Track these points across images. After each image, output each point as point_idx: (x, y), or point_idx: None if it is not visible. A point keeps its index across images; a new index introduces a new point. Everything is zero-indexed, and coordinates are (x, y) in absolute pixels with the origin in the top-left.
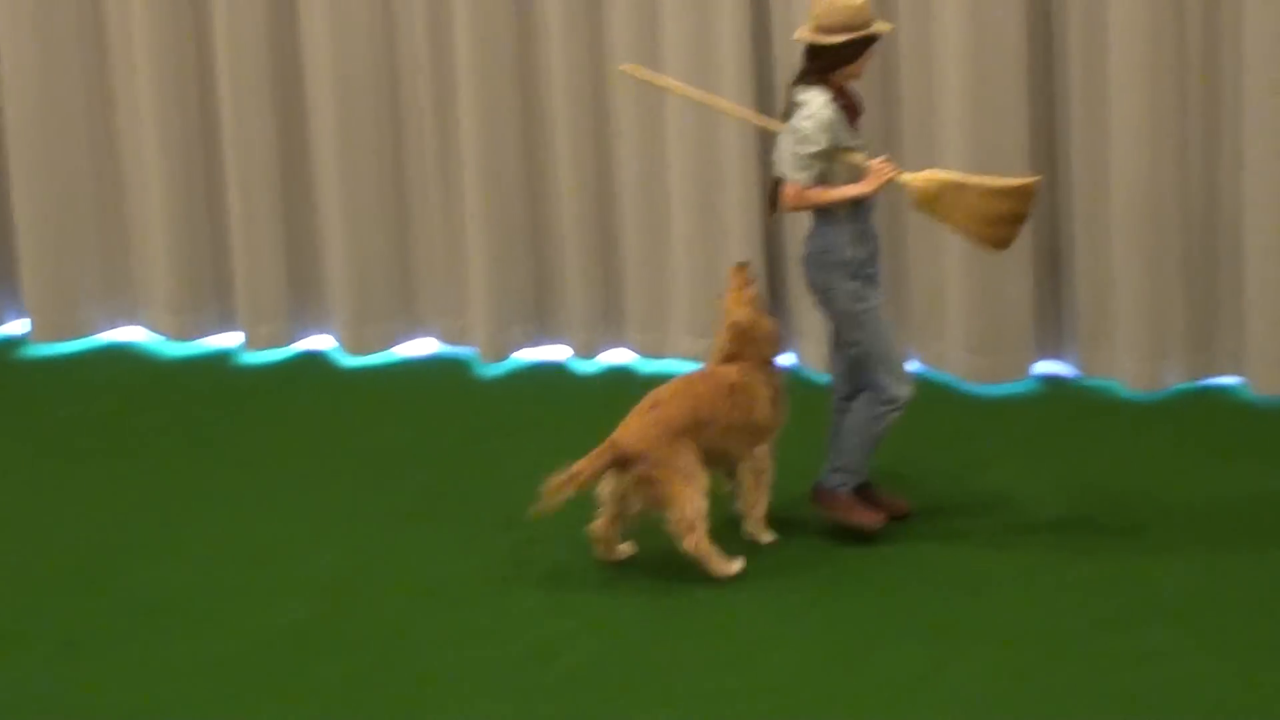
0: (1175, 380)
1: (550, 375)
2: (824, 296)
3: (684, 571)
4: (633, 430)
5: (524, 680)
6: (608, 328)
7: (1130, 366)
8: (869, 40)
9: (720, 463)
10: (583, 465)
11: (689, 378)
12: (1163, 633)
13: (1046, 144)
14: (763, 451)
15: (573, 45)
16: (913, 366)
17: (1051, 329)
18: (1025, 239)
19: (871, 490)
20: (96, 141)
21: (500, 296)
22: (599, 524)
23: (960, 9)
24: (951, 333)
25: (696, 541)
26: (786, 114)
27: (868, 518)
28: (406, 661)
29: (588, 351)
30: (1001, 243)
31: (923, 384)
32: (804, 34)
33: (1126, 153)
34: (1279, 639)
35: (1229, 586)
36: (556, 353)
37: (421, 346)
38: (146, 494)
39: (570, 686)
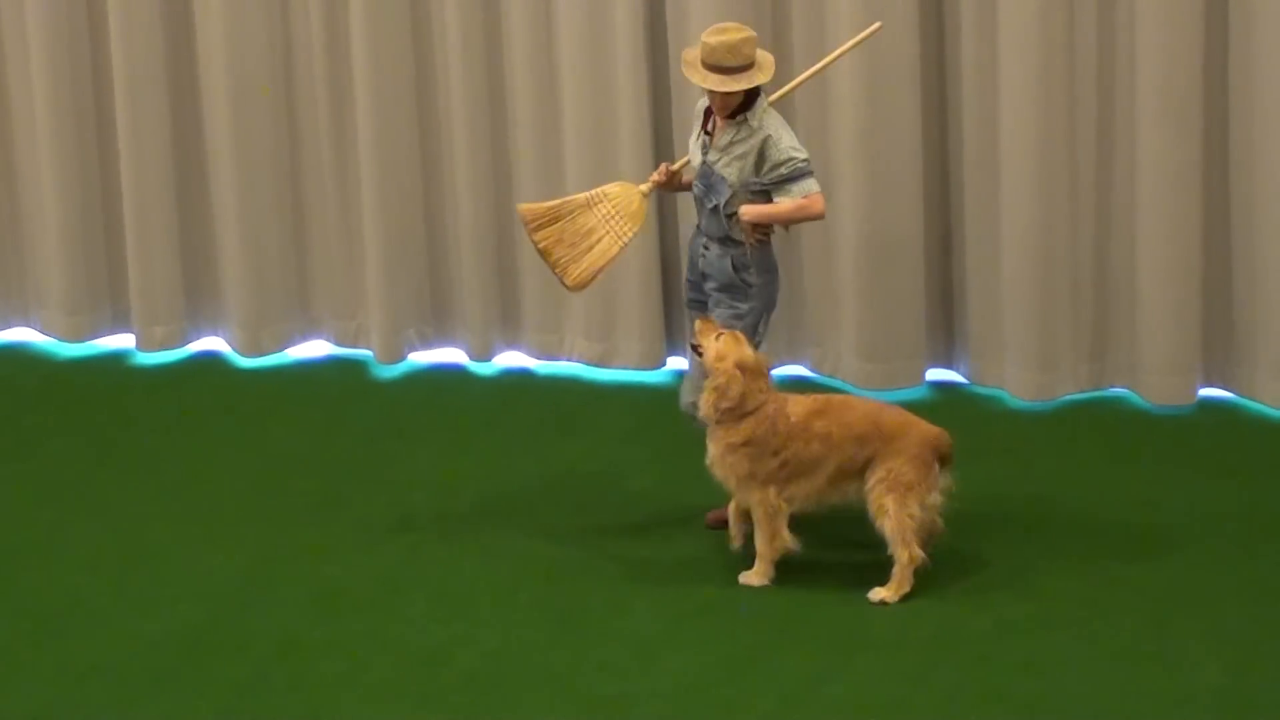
0: (1066, 391)
1: (446, 377)
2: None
3: (580, 575)
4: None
5: (418, 684)
6: (504, 330)
7: (1019, 376)
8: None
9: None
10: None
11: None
12: (1057, 640)
13: (936, 147)
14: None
15: (469, 46)
16: (808, 372)
17: (944, 337)
18: (919, 244)
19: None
20: None
21: (395, 298)
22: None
23: (854, 4)
24: (846, 339)
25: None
26: (705, 144)
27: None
28: (300, 666)
29: (484, 354)
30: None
31: (815, 390)
32: (757, 78)
33: (1018, 164)
34: (1168, 644)
35: (1119, 592)
36: (453, 355)
37: (317, 348)
38: (39, 496)
39: (464, 690)
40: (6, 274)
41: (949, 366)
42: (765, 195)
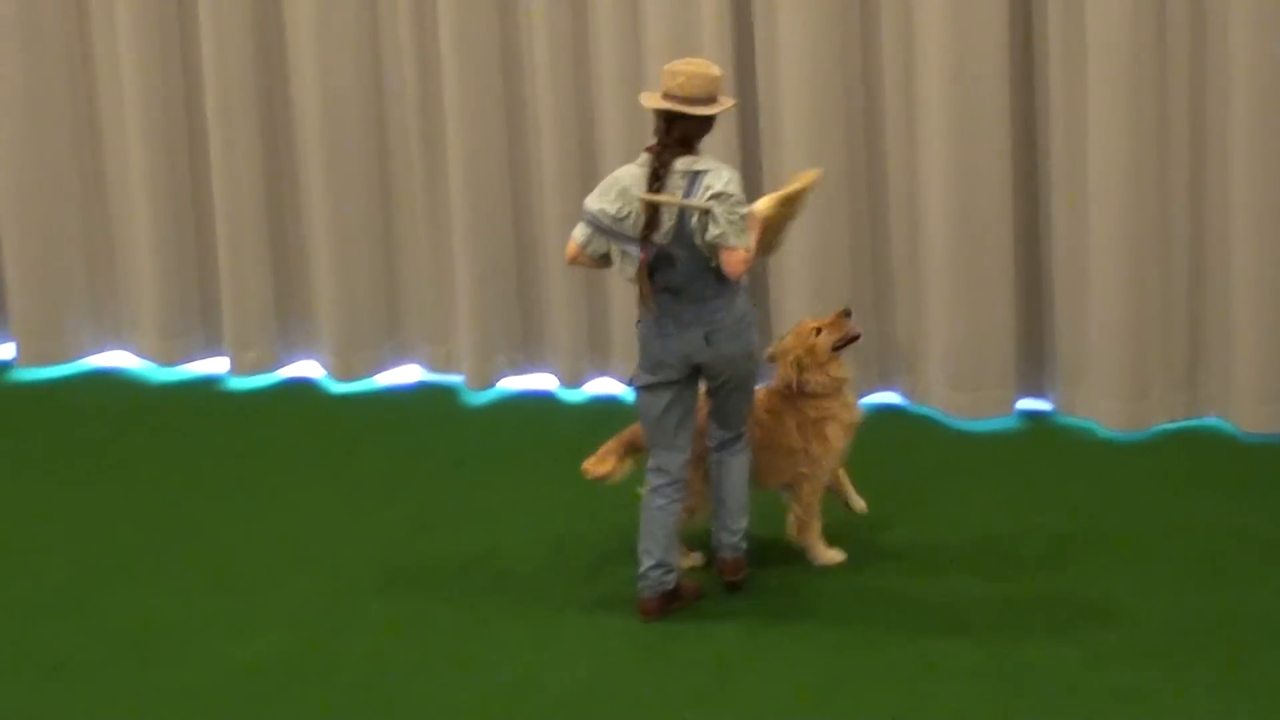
0: (1158, 420)
1: (536, 404)
2: (746, 362)
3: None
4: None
5: (506, 711)
6: (593, 357)
7: (1109, 405)
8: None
9: (764, 482)
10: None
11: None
12: (1146, 670)
13: (1027, 180)
14: (810, 480)
15: (560, 74)
16: (895, 400)
17: (1034, 367)
18: (1008, 275)
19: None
20: (84, 166)
21: (486, 324)
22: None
23: (943, 44)
24: (935, 368)
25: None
26: (659, 188)
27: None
28: (388, 692)
29: (573, 380)
30: (769, 249)
31: (905, 418)
32: (660, 101)
33: (1108, 190)
34: (1259, 676)
35: (1206, 622)
36: (542, 381)
37: (408, 374)
38: (130, 520)
39: (552, 717)
40: (100, 298)
41: (1039, 396)
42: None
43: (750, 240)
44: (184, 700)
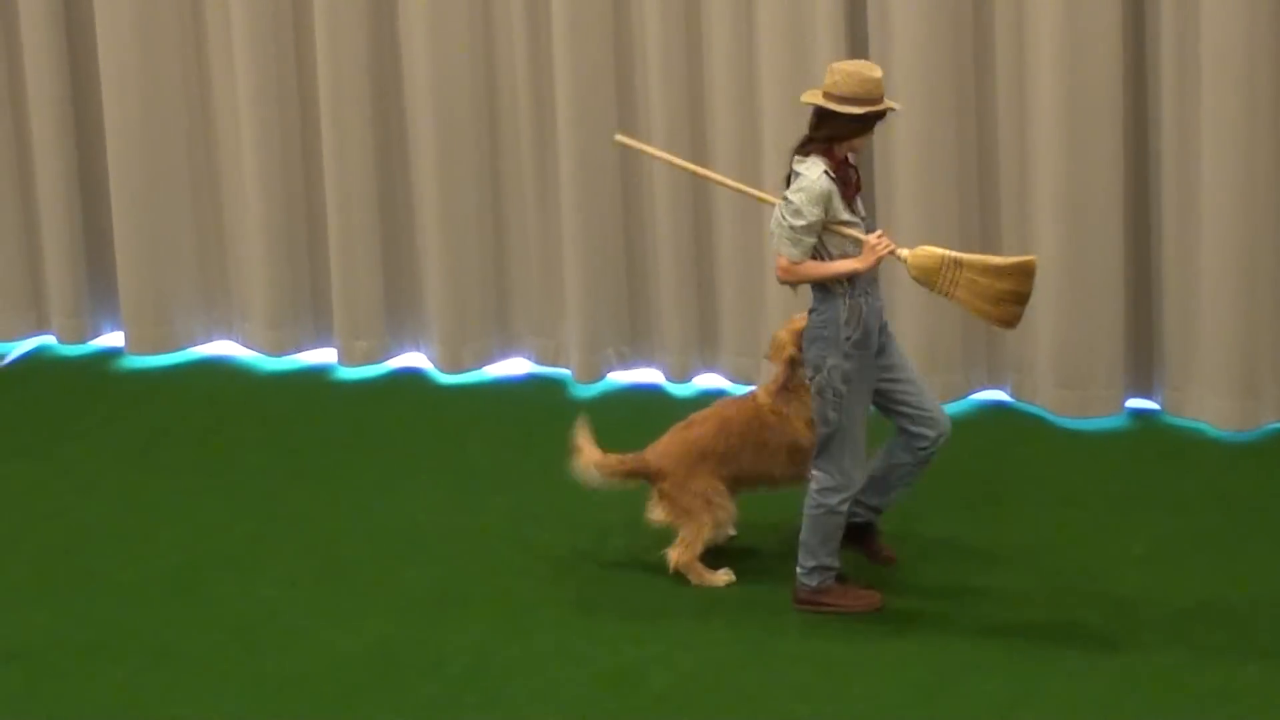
0: (1268, 419)
1: (644, 398)
2: (815, 372)
3: (769, 599)
4: (660, 449)
5: (610, 704)
6: (702, 352)
7: (1218, 405)
8: (880, 114)
9: (768, 482)
10: (613, 458)
11: (723, 402)
12: (1253, 670)
13: (1138, 177)
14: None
15: (671, 69)
16: (1004, 398)
17: (1144, 365)
18: (1118, 273)
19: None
20: (195, 156)
21: (595, 318)
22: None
23: (1056, 46)
24: (1043, 366)
25: (682, 559)
26: (788, 181)
27: (864, 601)
28: (492, 683)
29: (681, 375)
30: (1007, 321)
31: (1014, 416)
32: (815, 98)
33: (1220, 188)
34: None
35: None
36: (651, 376)
37: (516, 366)
38: (237, 509)
39: (656, 711)
40: (211, 287)
41: (1148, 395)
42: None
43: (794, 252)
44: (289, 689)
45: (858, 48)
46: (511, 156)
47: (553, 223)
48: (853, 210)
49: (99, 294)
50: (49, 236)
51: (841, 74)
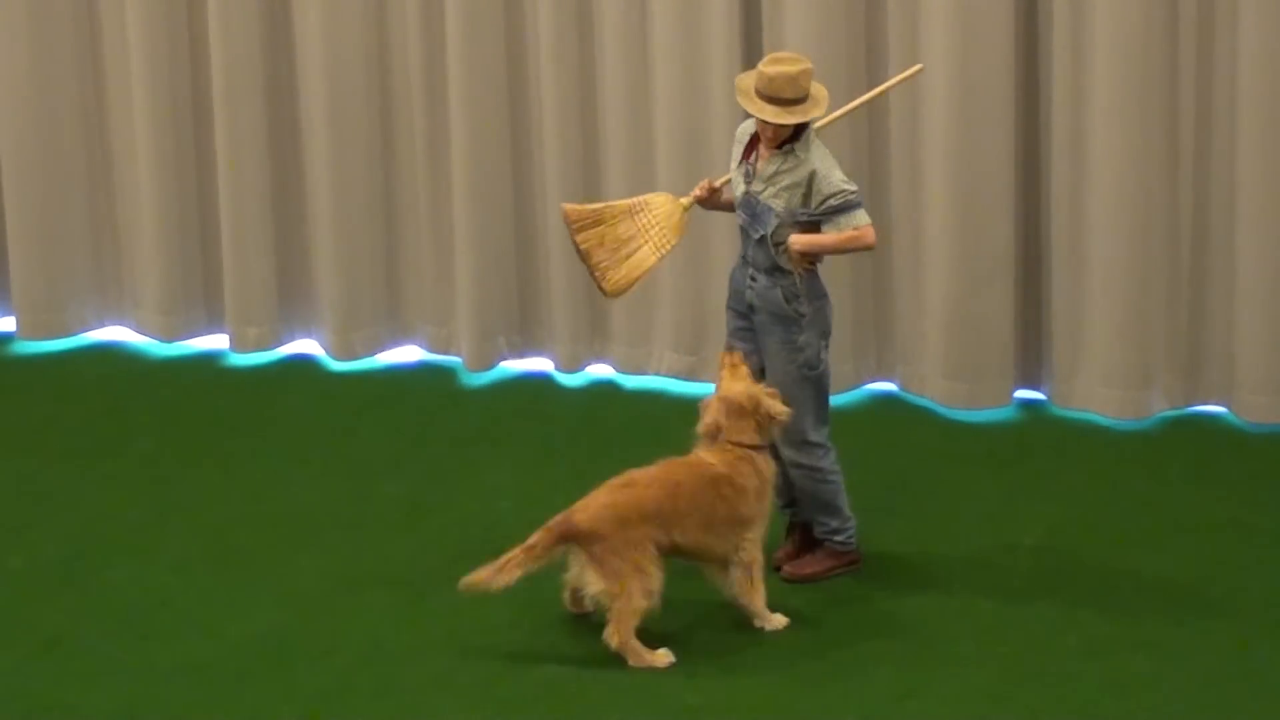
0: (1159, 408)
1: (534, 387)
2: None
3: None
4: (593, 509)
5: (500, 690)
6: (593, 342)
7: (1108, 394)
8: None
9: (703, 556)
10: (534, 540)
11: (671, 464)
12: (1141, 660)
13: (1026, 167)
14: (751, 543)
15: (563, 56)
16: (893, 390)
17: (1032, 357)
18: (1007, 264)
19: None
20: (89, 141)
21: (486, 307)
22: (566, 600)
23: (947, 34)
24: (932, 358)
25: (620, 639)
26: (745, 163)
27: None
28: (383, 670)
29: (572, 365)
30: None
31: (903, 408)
32: (812, 111)
33: (1108, 176)
34: (1254, 666)
35: (1205, 613)
36: (541, 365)
37: (408, 354)
38: (130, 494)
39: (546, 699)
40: (103, 272)
41: (1036, 387)
42: (814, 225)
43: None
44: (180, 675)
45: (751, 40)
46: (404, 145)
47: (444, 212)
48: None
49: None
50: None
51: (784, 80)
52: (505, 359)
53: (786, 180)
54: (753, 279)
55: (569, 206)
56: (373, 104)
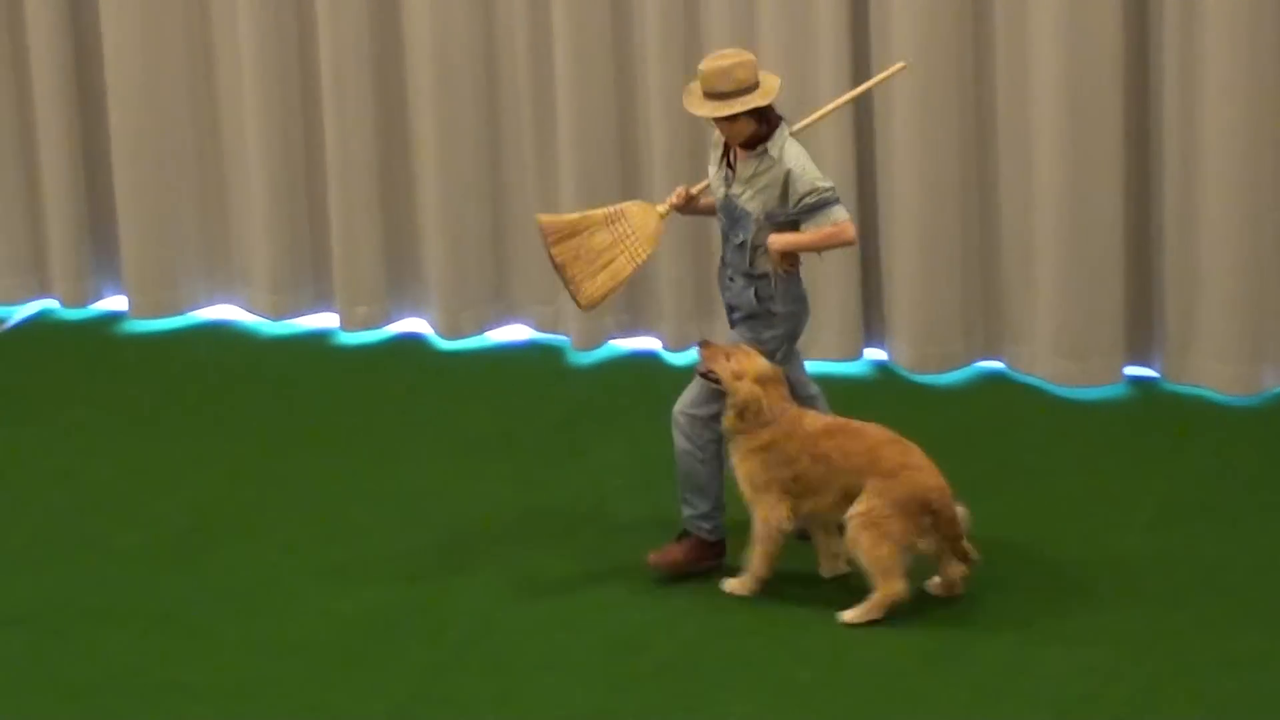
0: (1273, 384)
1: (642, 365)
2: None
3: (780, 565)
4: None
5: (612, 669)
6: (700, 320)
7: (1221, 370)
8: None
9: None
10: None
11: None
12: (1255, 637)
13: (1137, 143)
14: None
15: (669, 45)
16: (1002, 368)
17: (1143, 333)
18: (1117, 240)
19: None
20: (198, 120)
21: None
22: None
23: (1055, 16)
24: (1042, 336)
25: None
26: (728, 169)
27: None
28: (493, 648)
29: (680, 344)
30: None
31: (1012, 387)
32: (751, 101)
33: (1219, 150)
34: None
35: None
36: (649, 343)
37: (516, 332)
38: (240, 472)
39: (659, 677)
40: (213, 251)
41: (1147, 364)
42: (793, 226)
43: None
44: (289, 653)
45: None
46: (511, 124)
47: (551, 190)
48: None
49: (101, 257)
50: (51, 200)
51: (717, 73)
52: (613, 337)
53: (763, 181)
54: (730, 279)
55: (544, 218)
56: (480, 83)
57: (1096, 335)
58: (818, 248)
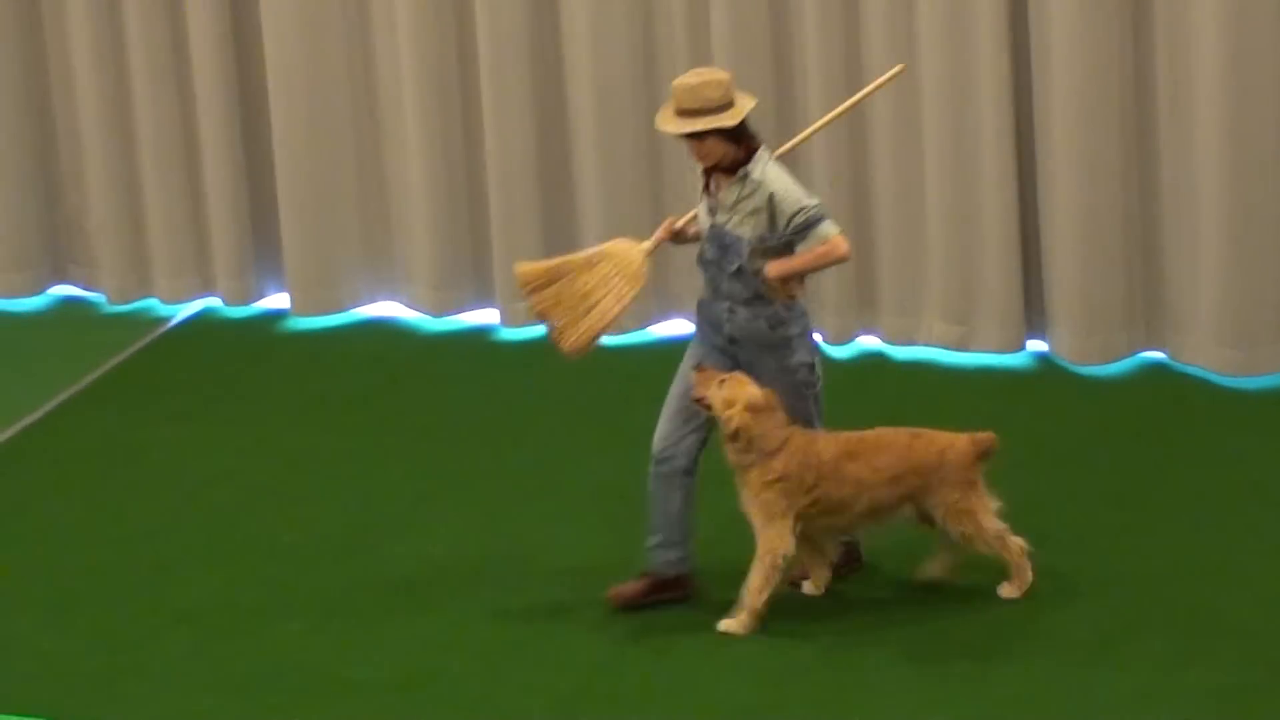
0: None
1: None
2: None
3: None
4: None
5: (768, 663)
6: (861, 312)
7: None
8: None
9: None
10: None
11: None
12: None
13: None
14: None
15: (829, 41)
16: (1163, 359)
17: None
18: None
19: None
20: (358, 119)
21: None
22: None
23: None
24: (1205, 326)
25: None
26: (709, 196)
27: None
28: (655, 646)
29: (842, 337)
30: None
31: (1175, 377)
32: (718, 121)
33: None
34: None
35: None
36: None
37: (676, 327)
38: (404, 470)
39: (814, 669)
40: (374, 248)
41: None
42: (787, 249)
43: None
44: (454, 648)
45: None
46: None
47: None
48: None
49: (264, 256)
50: (214, 199)
51: (683, 90)
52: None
53: (749, 206)
54: (731, 311)
55: (521, 267)
56: (639, 78)
57: (1260, 324)
58: (813, 269)
